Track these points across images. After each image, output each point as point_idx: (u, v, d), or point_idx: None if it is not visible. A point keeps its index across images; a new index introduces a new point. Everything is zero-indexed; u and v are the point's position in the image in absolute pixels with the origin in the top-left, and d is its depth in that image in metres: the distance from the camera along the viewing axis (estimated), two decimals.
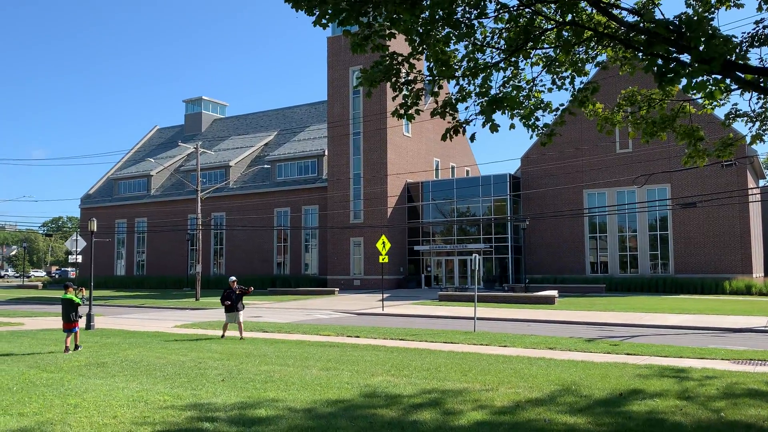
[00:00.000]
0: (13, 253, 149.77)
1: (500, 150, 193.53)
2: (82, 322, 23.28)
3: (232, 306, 18.71)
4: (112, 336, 19.15)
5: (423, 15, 7.85)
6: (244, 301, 19.67)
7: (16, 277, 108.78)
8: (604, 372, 11.78)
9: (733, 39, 6.28)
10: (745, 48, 7.34)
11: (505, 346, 15.89)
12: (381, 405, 9.16)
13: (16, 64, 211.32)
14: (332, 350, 15.21)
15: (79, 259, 28.79)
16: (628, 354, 14.43)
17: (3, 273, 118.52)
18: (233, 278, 19.75)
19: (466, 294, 35.11)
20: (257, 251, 56.10)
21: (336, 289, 44.33)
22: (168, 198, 62.15)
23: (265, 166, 53.61)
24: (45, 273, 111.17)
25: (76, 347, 15.58)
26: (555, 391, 10.08)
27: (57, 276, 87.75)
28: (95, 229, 24.45)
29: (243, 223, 55.84)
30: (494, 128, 8.43)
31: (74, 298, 15.87)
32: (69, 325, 15.64)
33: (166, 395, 9.84)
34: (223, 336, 18.69)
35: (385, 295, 36.08)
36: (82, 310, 16.81)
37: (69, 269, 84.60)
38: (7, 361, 13.78)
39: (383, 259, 30.65)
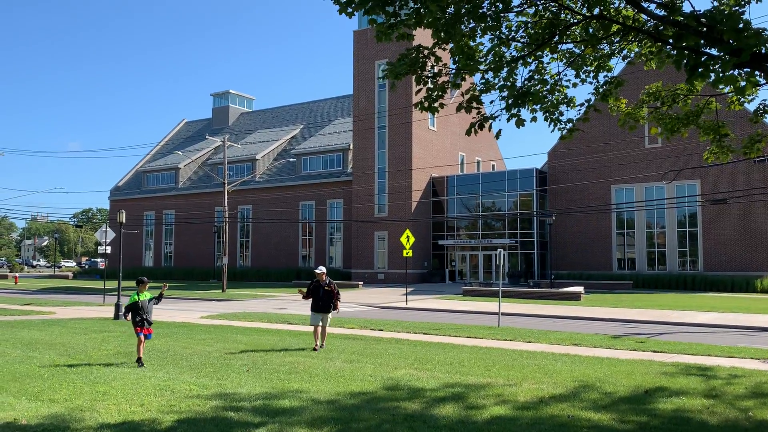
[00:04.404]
0: (45, 243, 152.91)
1: (527, 145, 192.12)
2: (109, 312, 23.82)
3: (319, 304, 14.09)
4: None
5: (449, 10, 7.82)
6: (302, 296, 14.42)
7: (48, 267, 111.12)
8: (630, 369, 11.66)
9: (764, 31, 6.15)
10: None
11: (529, 342, 15.80)
12: (403, 398, 9.19)
13: (56, 57, 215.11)
14: (356, 343, 15.28)
15: (108, 250, 29.32)
16: (654, 351, 14.25)
17: (35, 263, 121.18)
18: (322, 268, 14.47)
19: (491, 289, 34.97)
20: (282, 244, 56.51)
21: (360, 282, 44.47)
22: (195, 191, 62.86)
23: (291, 159, 53.95)
24: (75, 263, 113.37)
25: (138, 360, 11.93)
26: (579, 387, 10.01)
27: (87, 266, 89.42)
28: (124, 221, 24.88)
29: (269, 216, 56.27)
30: (520, 123, 8.38)
31: (150, 295, 12.41)
32: (145, 330, 12.14)
33: (192, 385, 9.98)
34: (315, 348, 13.98)
35: (409, 290, 36.10)
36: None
37: (99, 260, 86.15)
38: (39, 349, 14.11)
39: (407, 253, 30.65)
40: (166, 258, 65.56)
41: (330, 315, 14.29)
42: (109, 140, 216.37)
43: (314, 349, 13.87)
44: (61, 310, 25.69)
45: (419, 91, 9.14)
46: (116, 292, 23.66)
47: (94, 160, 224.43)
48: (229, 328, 18.91)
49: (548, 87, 9.12)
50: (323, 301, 14.10)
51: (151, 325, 12.34)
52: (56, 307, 27.32)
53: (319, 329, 14.17)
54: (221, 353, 13.49)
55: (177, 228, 64.08)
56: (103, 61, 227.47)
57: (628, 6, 8.54)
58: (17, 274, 62.07)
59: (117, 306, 22.15)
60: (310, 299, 14.32)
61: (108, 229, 28.92)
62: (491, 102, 9.11)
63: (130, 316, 12.15)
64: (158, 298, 12.50)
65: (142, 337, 11.96)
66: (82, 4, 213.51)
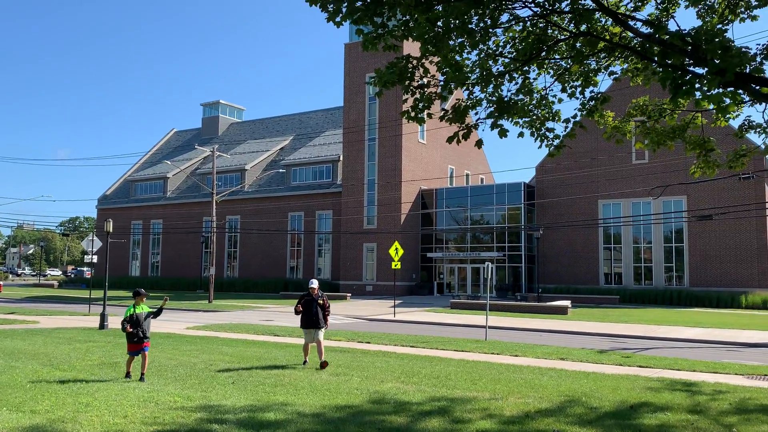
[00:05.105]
0: (30, 251, 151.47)
1: (515, 159, 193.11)
2: (95, 321, 23.60)
3: (312, 319, 13.52)
4: (125, 336, 19.27)
5: (437, 23, 7.90)
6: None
7: (33, 275, 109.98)
8: (616, 384, 11.69)
9: (749, 51, 6.27)
10: (759, 60, 7.32)
11: (516, 356, 15.81)
12: (389, 411, 9.16)
13: (47, 66, 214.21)
14: (343, 355, 15.22)
15: (95, 259, 29.12)
16: (640, 366, 14.30)
17: (20, 271, 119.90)
18: (315, 282, 13.91)
19: (479, 302, 34.98)
20: (271, 255, 56.31)
21: (348, 294, 44.35)
22: (183, 200, 62.60)
23: (281, 170, 53.92)
24: (61, 272, 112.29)
25: (142, 376, 11.45)
26: (565, 401, 10.03)
27: (73, 276, 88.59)
28: (111, 230, 24.73)
29: (257, 226, 56.09)
30: (503, 133, 8.44)
31: (147, 309, 11.80)
32: (140, 345, 11.52)
33: (177, 396, 9.90)
34: (305, 362, 13.67)
35: (397, 302, 36.05)
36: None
37: (85, 269, 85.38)
38: (21, 359, 13.94)
39: (395, 266, 30.64)
40: (153, 268, 65.12)
41: (322, 330, 13.65)
42: (98, 149, 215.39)
43: (305, 363, 13.50)
44: (45, 320, 25.41)
45: (407, 100, 9.19)
46: (102, 302, 23.45)
47: (82, 168, 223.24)
48: (215, 340, 18.78)
49: (534, 101, 9.20)
50: (317, 317, 13.49)
51: (148, 339, 11.55)
52: (40, 317, 27.03)
53: (311, 346, 13.65)
54: (206, 365, 13.39)
55: (164, 238, 63.73)
56: (95, 70, 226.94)
57: (615, 23, 8.65)
58: (1, 283, 61.37)
59: (102, 316, 21.95)
60: (301, 314, 13.63)
61: (95, 238, 28.71)
62: (476, 114, 9.19)
63: (130, 327, 11.35)
64: (157, 313, 11.81)
65: (133, 357, 11.44)
66: (72, 13, 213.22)
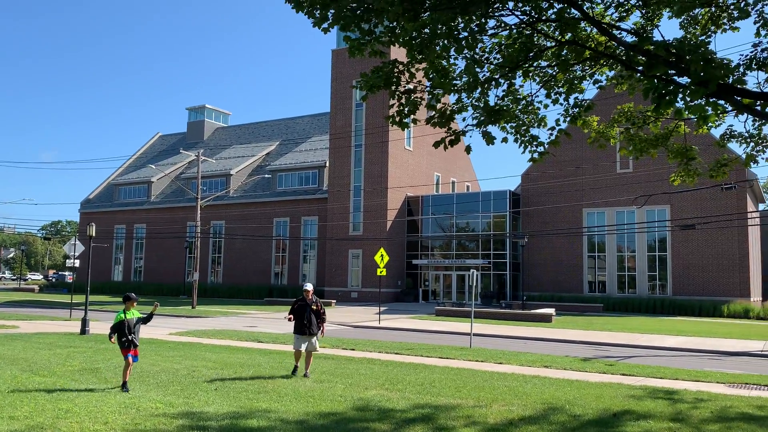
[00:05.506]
0: (11, 255, 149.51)
1: (501, 167, 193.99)
2: (76, 327, 23.31)
3: (304, 325, 12.78)
4: (107, 342, 19.01)
5: (424, 30, 7.92)
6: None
7: (13, 279, 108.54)
8: (599, 392, 11.74)
9: (731, 63, 6.35)
10: (742, 71, 7.43)
11: (500, 363, 15.83)
12: (373, 419, 9.12)
13: (31, 68, 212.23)
14: (327, 362, 15.16)
15: (77, 263, 28.79)
16: (623, 374, 14.37)
17: (0, 275, 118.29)
18: (309, 285, 13.26)
19: (463, 309, 35.02)
20: (255, 261, 56.04)
21: (333, 300, 44.21)
22: (168, 205, 62.19)
23: (266, 175, 53.72)
24: (42, 276, 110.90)
25: (124, 384, 10.94)
26: (548, 409, 10.04)
27: (54, 280, 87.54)
28: (94, 234, 24.48)
29: (242, 232, 55.84)
30: (490, 140, 8.48)
31: (138, 314, 11.29)
32: (132, 351, 11.06)
33: (158, 403, 9.79)
34: (295, 370, 13.00)
35: (382, 309, 36.00)
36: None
37: (66, 273, 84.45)
38: (0, 364, 13.72)
39: (381, 272, 30.61)
40: (135, 273, 64.56)
41: (315, 338, 12.91)
42: (83, 152, 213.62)
43: (295, 370, 12.89)
44: (25, 325, 25.07)
45: (392, 105, 9.21)
46: (83, 307, 23.19)
47: (65, 171, 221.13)
48: (198, 346, 18.63)
49: (521, 107, 9.26)
50: (310, 323, 12.74)
51: (137, 347, 11.07)
52: (20, 321, 26.65)
53: (303, 353, 12.84)
54: (189, 371, 13.27)
55: (148, 242, 63.23)
56: (80, 74, 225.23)
57: (600, 33, 8.73)
58: None
59: (84, 321, 21.69)
60: (294, 321, 12.91)
61: (77, 242, 28.39)
62: (463, 119, 9.22)
63: (115, 338, 10.88)
64: (147, 318, 11.29)
65: (130, 359, 10.87)
66: (57, 16, 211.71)
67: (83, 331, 21.37)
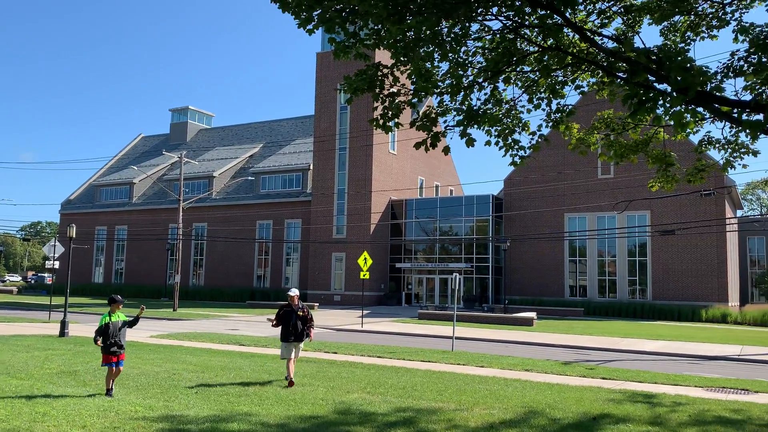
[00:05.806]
0: None
1: (484, 172, 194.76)
2: (55, 329, 23.01)
3: (290, 332, 12.36)
4: (86, 344, 18.85)
5: (409, 33, 7.97)
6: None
7: None
8: (579, 395, 11.83)
9: (709, 70, 6.45)
10: (720, 78, 7.55)
11: (482, 367, 15.89)
12: (355, 422, 9.11)
13: (11, 70, 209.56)
14: (309, 366, 15.12)
15: (57, 265, 28.48)
16: (603, 378, 14.49)
17: None
18: (295, 291, 12.82)
19: (446, 313, 35.10)
20: (238, 263, 55.74)
21: (316, 304, 44.09)
22: (150, 207, 61.68)
23: (249, 178, 53.45)
24: (21, 278, 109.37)
25: (108, 391, 10.62)
26: (528, 413, 10.10)
27: (33, 281, 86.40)
28: (74, 236, 24.22)
29: (224, 234, 55.51)
30: (470, 142, 8.54)
31: (123, 317, 10.94)
32: (115, 357, 10.65)
33: (138, 406, 9.71)
34: (287, 378, 12.11)
35: (365, 312, 35.96)
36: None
37: (46, 275, 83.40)
38: None
39: (364, 276, 30.58)
40: (116, 275, 63.92)
41: (302, 344, 12.72)
42: (64, 153, 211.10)
43: (287, 378, 12.06)
44: (2, 327, 24.72)
45: (377, 108, 9.24)
46: (63, 309, 22.92)
47: (45, 172, 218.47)
48: (179, 348, 18.49)
49: (504, 110, 9.33)
50: (296, 329, 12.32)
51: (123, 349, 10.71)
52: None
53: (293, 361, 12.37)
54: (170, 374, 13.16)
55: (129, 244, 62.65)
56: (61, 74, 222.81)
57: (582, 40, 8.83)
58: None
59: (63, 323, 21.43)
60: (280, 327, 12.47)
61: (57, 243, 28.08)
62: (445, 122, 9.27)
63: (101, 341, 10.54)
64: (133, 322, 10.98)
65: (112, 368, 10.50)
66: (39, 18, 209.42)
67: (62, 334, 21.11)
